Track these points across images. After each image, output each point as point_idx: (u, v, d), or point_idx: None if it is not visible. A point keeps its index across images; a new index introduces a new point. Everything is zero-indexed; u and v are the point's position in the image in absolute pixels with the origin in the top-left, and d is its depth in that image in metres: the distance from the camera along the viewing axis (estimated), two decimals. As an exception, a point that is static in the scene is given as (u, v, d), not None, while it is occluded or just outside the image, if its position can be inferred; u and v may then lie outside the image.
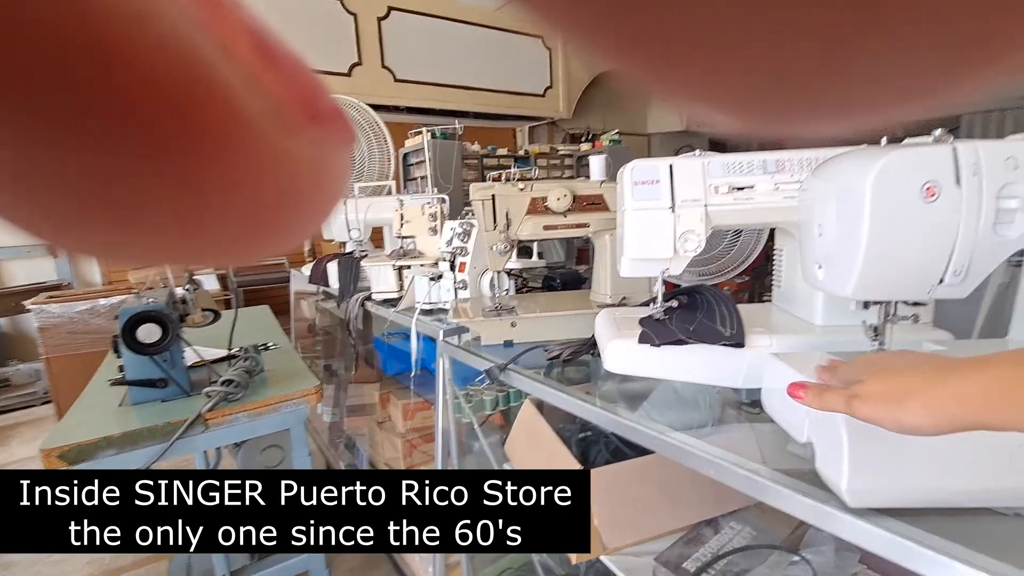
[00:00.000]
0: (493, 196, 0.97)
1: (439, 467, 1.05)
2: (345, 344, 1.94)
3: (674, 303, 0.74)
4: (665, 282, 0.72)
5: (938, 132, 0.44)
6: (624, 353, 0.67)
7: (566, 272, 1.38)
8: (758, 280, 1.62)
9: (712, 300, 0.72)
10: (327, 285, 1.67)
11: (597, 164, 1.00)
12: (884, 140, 0.49)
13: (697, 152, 0.75)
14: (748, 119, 0.08)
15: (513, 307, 0.99)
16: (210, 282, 2.96)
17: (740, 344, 0.61)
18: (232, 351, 1.26)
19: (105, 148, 0.07)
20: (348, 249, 1.78)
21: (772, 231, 0.78)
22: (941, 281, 0.45)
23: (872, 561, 0.67)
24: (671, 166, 0.66)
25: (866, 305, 0.51)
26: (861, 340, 0.54)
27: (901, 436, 0.37)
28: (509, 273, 1.19)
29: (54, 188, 0.07)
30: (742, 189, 0.65)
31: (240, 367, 1.12)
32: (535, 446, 0.90)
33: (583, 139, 3.66)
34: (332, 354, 2.13)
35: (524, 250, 1.36)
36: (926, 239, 0.43)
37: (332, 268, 1.62)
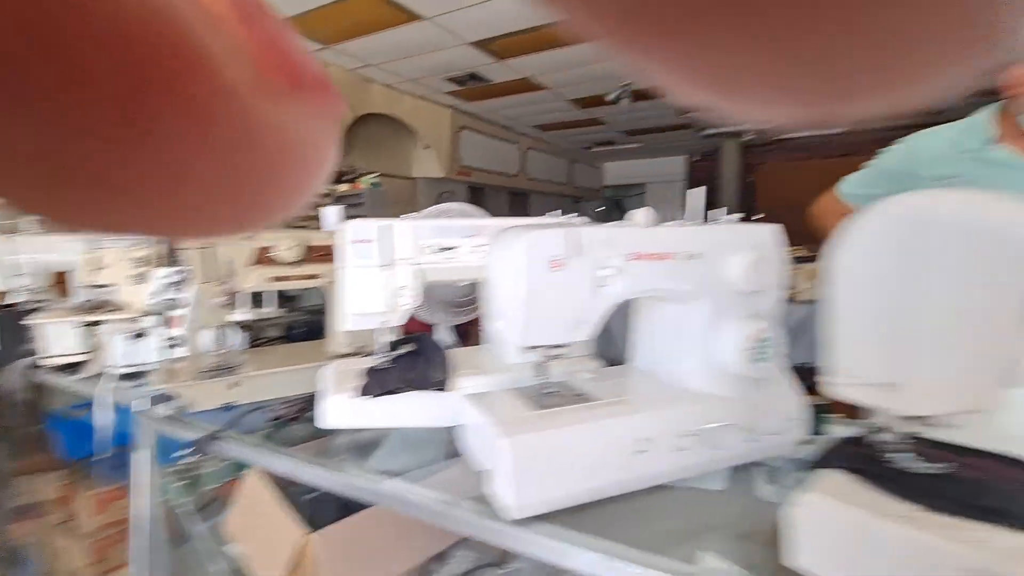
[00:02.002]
0: (211, 244, 0.88)
1: (135, 569, 0.87)
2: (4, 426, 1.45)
3: (403, 350, 0.79)
4: (408, 323, 0.76)
5: (561, 217, 0.59)
6: (338, 409, 0.68)
7: (314, 320, 1.32)
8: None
9: (429, 347, 0.79)
10: (-30, 349, 1.24)
11: (330, 214, 1.01)
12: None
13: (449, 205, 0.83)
14: (771, 108, 0.08)
15: (237, 364, 0.90)
16: None
17: (444, 388, 0.69)
18: None
19: (80, 115, 0.07)
20: (11, 300, 1.36)
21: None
22: (574, 327, 0.59)
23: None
24: (385, 227, 0.72)
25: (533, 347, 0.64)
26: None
27: (557, 452, 0.48)
28: (241, 325, 1.08)
29: (30, 156, 0.07)
30: (448, 249, 0.74)
31: None
32: (257, 520, 0.82)
33: (342, 179, 3.60)
34: (-17, 441, 1.56)
35: (259, 297, 1.26)
36: (558, 298, 0.57)
37: (-21, 326, 1.21)
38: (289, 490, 0.87)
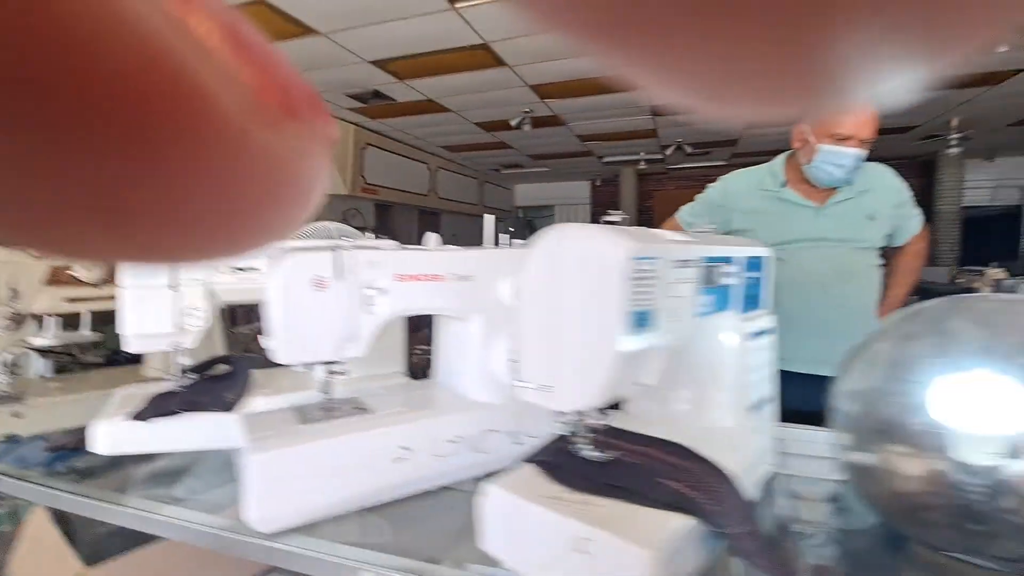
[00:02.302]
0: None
1: None
2: None
3: (214, 371, 0.78)
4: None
5: (330, 241, 0.62)
6: (108, 435, 0.66)
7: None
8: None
9: (240, 368, 0.79)
10: None
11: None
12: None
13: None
14: (711, 105, 0.08)
15: (21, 394, 0.84)
16: None
17: (232, 410, 0.69)
18: None
19: (70, 145, 0.07)
20: None
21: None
22: (345, 344, 0.62)
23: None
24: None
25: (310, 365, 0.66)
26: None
27: (308, 465, 0.50)
28: (48, 350, 1.00)
29: (15, 185, 0.07)
30: (245, 270, 0.75)
31: None
32: (41, 558, 0.76)
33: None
34: None
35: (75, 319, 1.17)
36: (324, 316, 0.60)
37: None
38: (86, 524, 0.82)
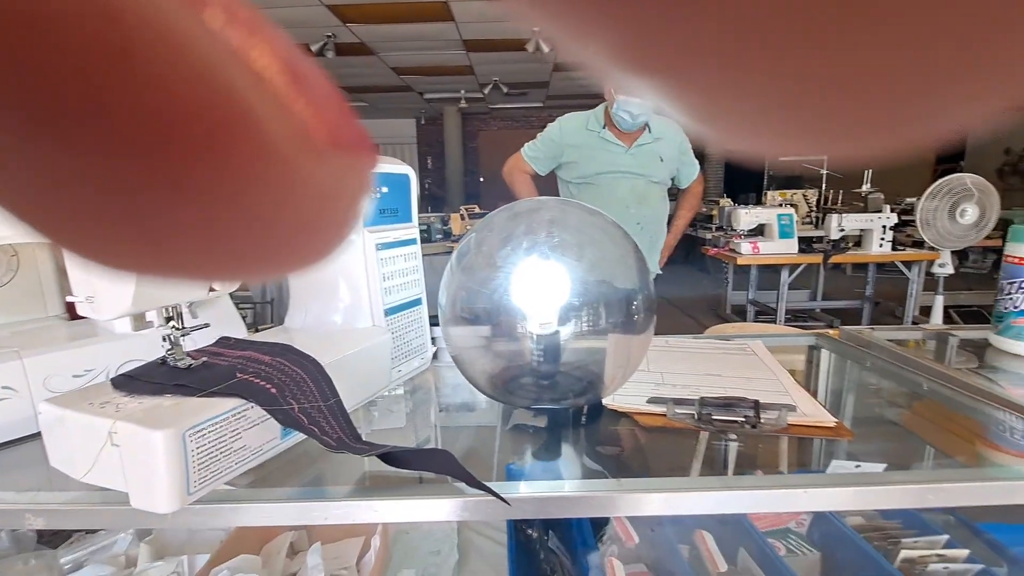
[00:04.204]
0: None
1: None
2: None
3: None
4: None
5: None
6: None
7: None
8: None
9: None
10: None
11: None
12: None
13: None
14: (752, 140, 0.08)
15: None
16: None
17: None
18: None
19: (132, 165, 0.07)
20: None
21: None
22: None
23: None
24: None
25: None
26: None
27: None
28: None
29: (76, 200, 0.07)
30: None
31: None
32: None
33: None
34: None
35: None
36: None
37: None
38: None
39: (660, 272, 1.84)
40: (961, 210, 2.40)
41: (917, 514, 0.72)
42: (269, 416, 0.43)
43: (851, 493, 0.41)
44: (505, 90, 5.99)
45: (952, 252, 2.43)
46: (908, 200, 3.57)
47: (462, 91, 6.09)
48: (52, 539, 0.74)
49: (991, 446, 0.54)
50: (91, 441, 0.39)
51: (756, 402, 0.53)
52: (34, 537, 0.75)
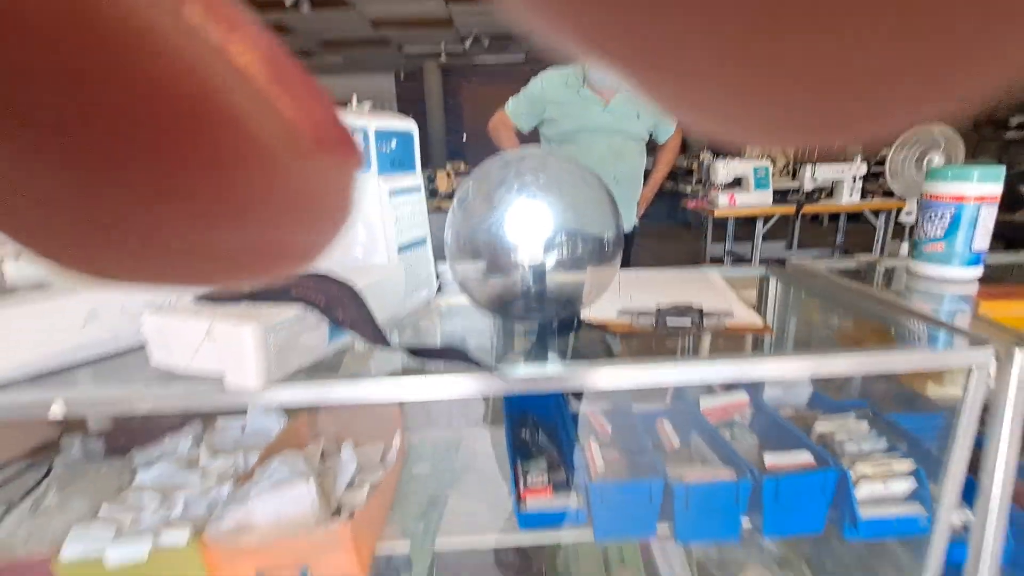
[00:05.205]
0: None
1: None
2: None
3: None
4: None
5: None
6: None
7: None
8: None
9: None
10: None
11: None
12: None
13: None
14: (753, 132, 0.07)
15: None
16: None
17: None
18: None
19: (110, 165, 0.07)
20: None
21: None
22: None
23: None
24: None
25: None
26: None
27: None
28: None
29: (57, 207, 0.07)
30: None
31: None
32: None
33: None
34: None
35: None
36: None
37: None
38: None
39: (637, 223, 1.95)
40: (928, 159, 2.55)
41: (837, 403, 0.89)
42: (322, 322, 0.55)
43: (757, 365, 0.55)
44: (486, 44, 5.88)
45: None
46: (884, 152, 3.71)
47: (442, 43, 5.97)
48: (119, 451, 0.87)
49: (886, 339, 0.68)
50: (192, 338, 0.51)
51: (700, 309, 0.66)
52: (102, 451, 0.88)
